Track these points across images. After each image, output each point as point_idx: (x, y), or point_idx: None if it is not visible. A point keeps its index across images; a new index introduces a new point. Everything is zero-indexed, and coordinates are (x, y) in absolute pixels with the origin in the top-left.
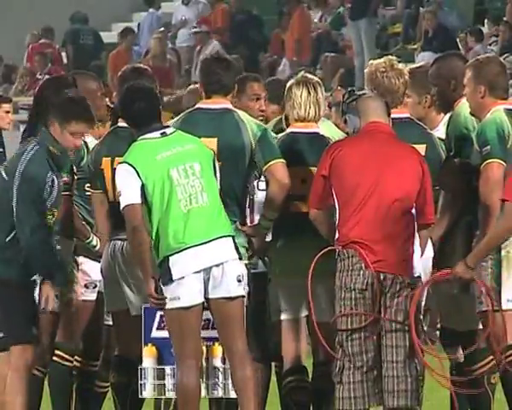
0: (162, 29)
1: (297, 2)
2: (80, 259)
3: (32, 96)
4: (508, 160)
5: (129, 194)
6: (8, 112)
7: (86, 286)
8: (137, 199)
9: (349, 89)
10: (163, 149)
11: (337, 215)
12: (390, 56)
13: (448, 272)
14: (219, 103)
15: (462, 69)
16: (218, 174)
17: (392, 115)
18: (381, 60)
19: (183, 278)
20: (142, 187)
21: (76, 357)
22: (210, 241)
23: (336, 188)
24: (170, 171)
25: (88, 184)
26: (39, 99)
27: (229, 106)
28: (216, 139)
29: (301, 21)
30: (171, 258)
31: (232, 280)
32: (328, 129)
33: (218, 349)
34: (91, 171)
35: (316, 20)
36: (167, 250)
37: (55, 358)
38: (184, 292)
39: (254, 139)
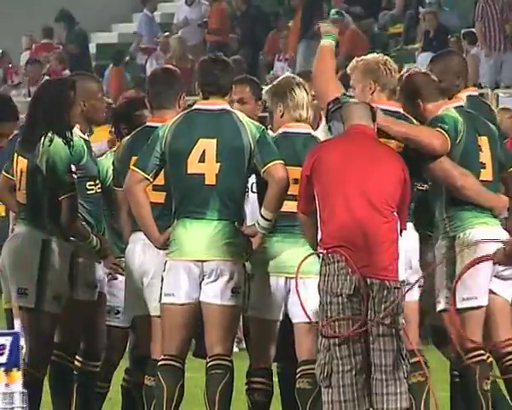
0: (167, 33)
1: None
2: (80, 260)
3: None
4: (455, 153)
5: None
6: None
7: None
8: None
9: (333, 97)
10: None
11: (319, 217)
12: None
13: (490, 257)
14: (217, 104)
15: (464, 64)
16: None
17: (382, 106)
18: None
19: None
20: None
21: (77, 357)
22: None
23: (318, 189)
24: None
25: (90, 183)
26: (36, 101)
27: (227, 107)
28: (215, 140)
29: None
30: None
31: None
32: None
33: None
34: (116, 168)
35: None
36: None
37: (55, 358)
38: None
39: (253, 140)
